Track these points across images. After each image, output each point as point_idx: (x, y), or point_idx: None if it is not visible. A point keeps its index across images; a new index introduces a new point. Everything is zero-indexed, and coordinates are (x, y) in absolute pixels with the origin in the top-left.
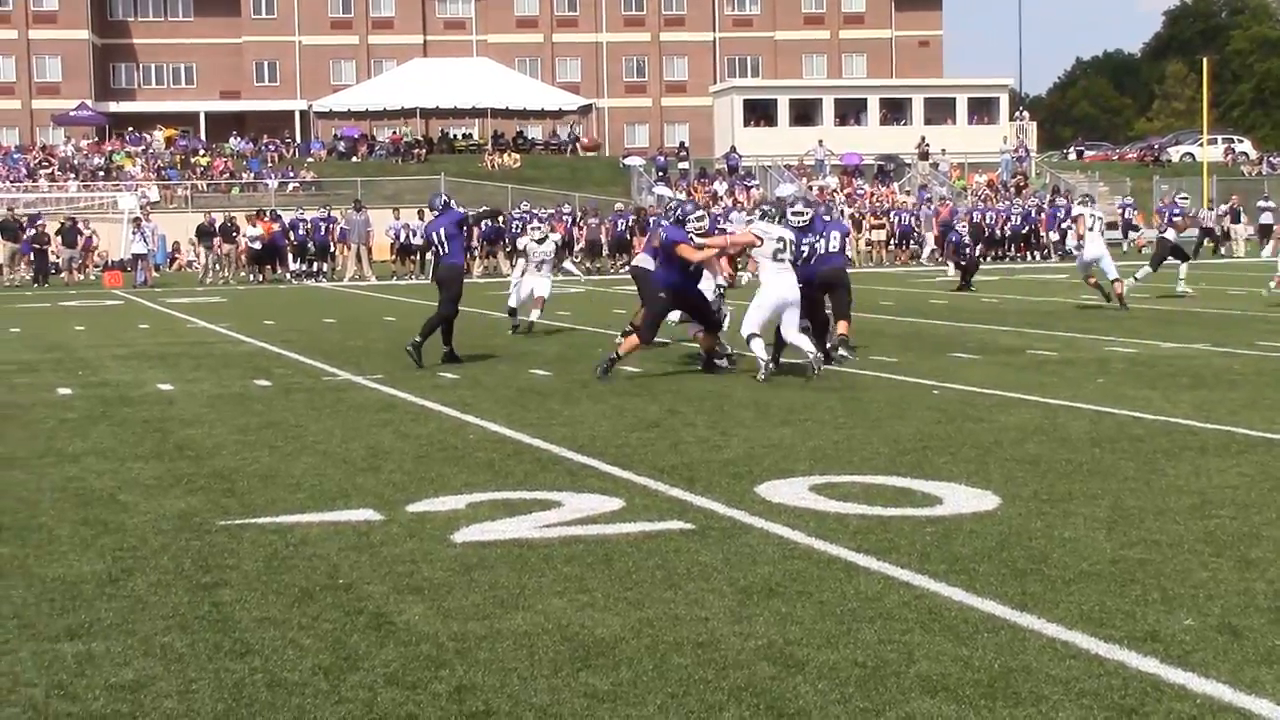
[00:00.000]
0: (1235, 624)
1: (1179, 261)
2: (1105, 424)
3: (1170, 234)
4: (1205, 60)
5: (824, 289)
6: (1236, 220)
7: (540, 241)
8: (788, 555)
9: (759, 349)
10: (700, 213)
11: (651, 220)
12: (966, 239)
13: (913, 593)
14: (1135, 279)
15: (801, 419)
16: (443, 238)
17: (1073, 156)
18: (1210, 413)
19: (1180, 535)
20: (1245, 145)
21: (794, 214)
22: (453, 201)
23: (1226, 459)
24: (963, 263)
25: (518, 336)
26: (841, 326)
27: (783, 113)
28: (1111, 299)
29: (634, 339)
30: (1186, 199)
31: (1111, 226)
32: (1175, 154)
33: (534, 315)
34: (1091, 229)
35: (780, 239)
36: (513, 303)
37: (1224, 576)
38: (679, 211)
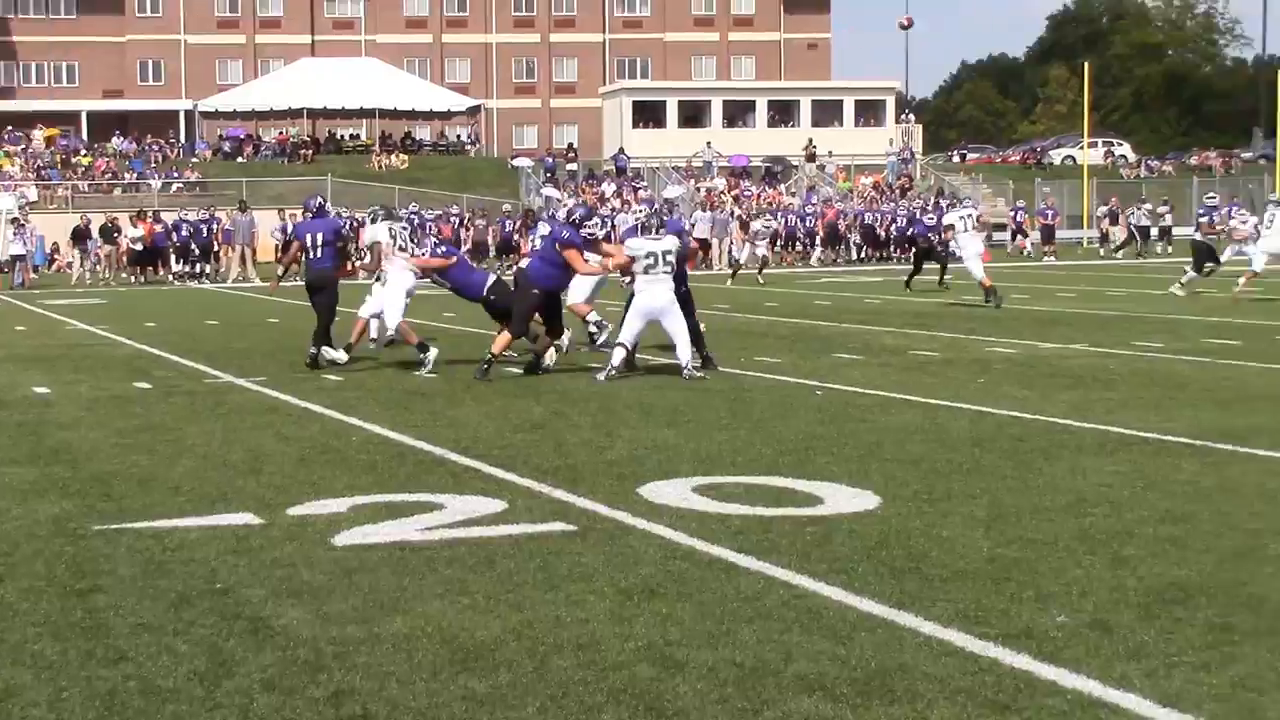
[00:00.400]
0: (1107, 620)
1: (1211, 264)
2: (985, 424)
3: (1198, 236)
4: (1086, 64)
5: None
6: (1114, 222)
7: (394, 236)
8: (669, 556)
9: (617, 356)
10: (596, 220)
11: (540, 223)
12: (933, 236)
13: (792, 592)
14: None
15: (685, 420)
16: (318, 242)
17: (956, 159)
18: (1087, 412)
19: (1056, 533)
20: (1125, 149)
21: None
22: (328, 205)
23: (1102, 458)
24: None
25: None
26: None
27: (671, 114)
28: (990, 300)
29: (505, 335)
30: (1214, 199)
31: (1000, 229)
32: (1057, 157)
33: (388, 333)
34: (965, 230)
35: (649, 253)
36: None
37: (1097, 574)
38: (577, 214)
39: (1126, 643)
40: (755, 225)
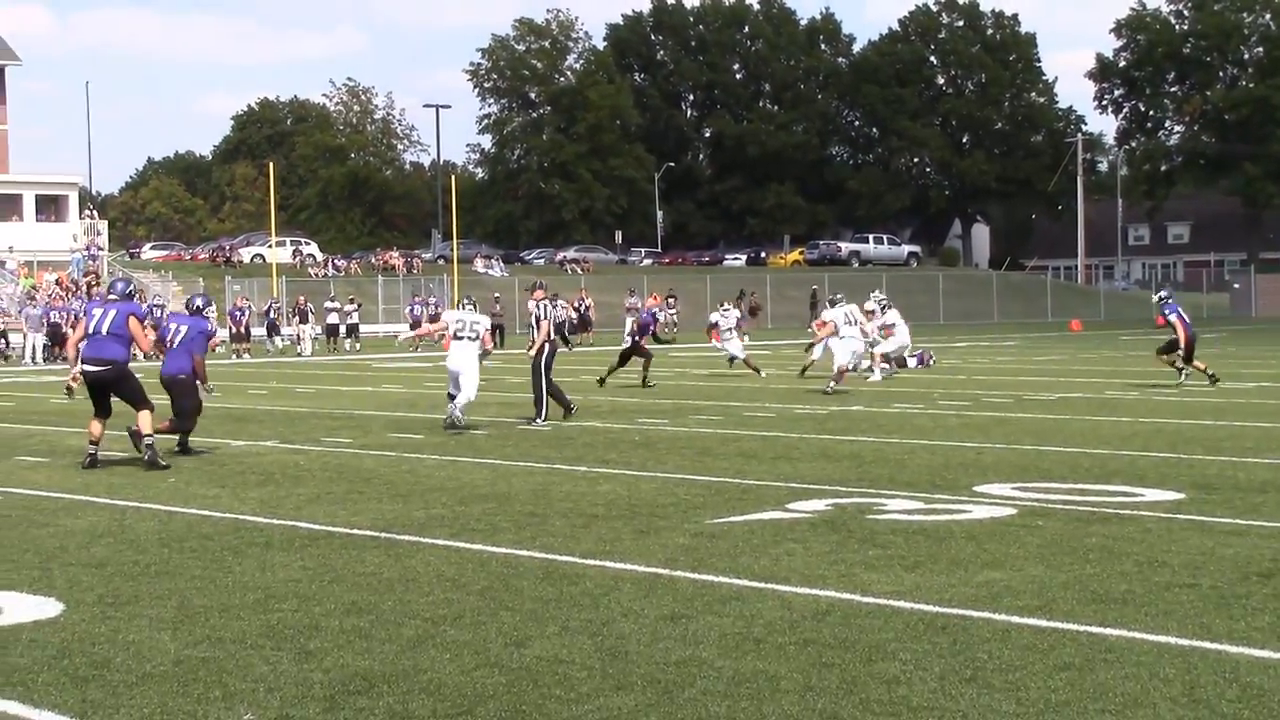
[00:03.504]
0: (290, 714)
1: None
2: (175, 523)
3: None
4: (271, 164)
5: None
6: (305, 320)
7: None
8: None
9: None
10: None
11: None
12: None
13: None
14: None
15: None
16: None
17: (144, 255)
18: (277, 508)
19: (243, 631)
20: (312, 248)
21: None
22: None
23: (290, 553)
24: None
25: None
26: None
27: None
28: None
29: None
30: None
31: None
32: (246, 255)
33: None
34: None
35: None
36: None
37: (284, 669)
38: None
39: None
40: None
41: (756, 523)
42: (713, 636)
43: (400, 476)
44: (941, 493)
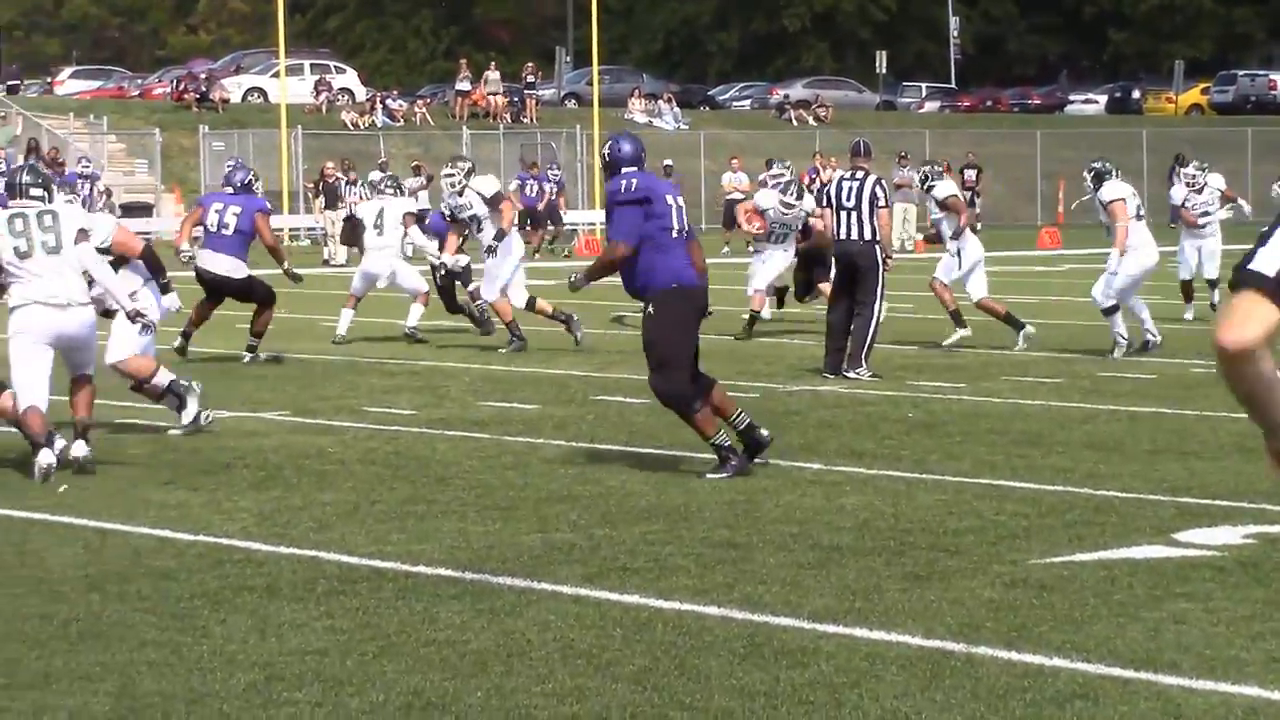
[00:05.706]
0: None
1: None
2: (109, 550)
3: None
4: None
5: None
6: (334, 206)
7: None
8: None
9: None
10: None
11: None
12: None
13: None
14: None
15: None
16: None
17: (64, 88)
18: (286, 528)
19: None
20: (349, 78)
21: None
22: None
23: (310, 605)
24: None
25: None
26: None
27: None
28: None
29: None
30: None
31: None
32: (235, 89)
33: None
34: None
35: None
36: None
37: None
38: None
39: None
40: None
41: (1121, 564)
42: None
43: (500, 475)
44: None
